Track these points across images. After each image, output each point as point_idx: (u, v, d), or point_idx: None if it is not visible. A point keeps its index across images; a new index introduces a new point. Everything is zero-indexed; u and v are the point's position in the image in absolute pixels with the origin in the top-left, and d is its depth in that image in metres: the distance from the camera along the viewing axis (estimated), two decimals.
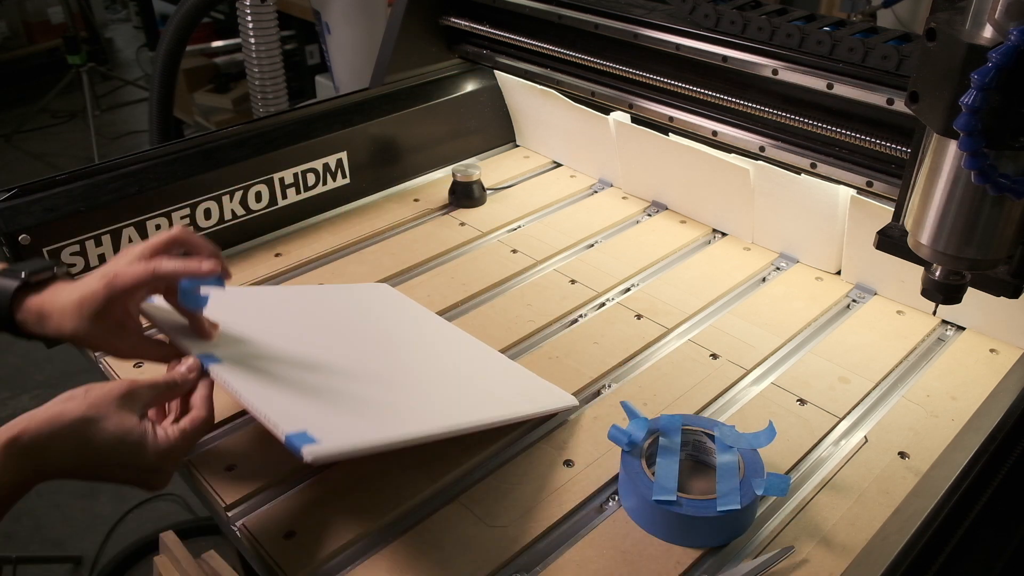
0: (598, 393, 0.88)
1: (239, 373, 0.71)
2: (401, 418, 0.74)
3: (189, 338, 0.75)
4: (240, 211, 1.12)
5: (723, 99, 1.04)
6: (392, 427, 0.70)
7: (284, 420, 0.63)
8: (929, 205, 0.61)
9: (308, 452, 0.60)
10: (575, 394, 0.87)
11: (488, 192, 1.26)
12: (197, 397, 0.70)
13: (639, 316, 0.99)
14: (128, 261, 0.71)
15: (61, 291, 0.72)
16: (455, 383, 0.85)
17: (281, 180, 1.15)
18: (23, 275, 0.72)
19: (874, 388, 0.88)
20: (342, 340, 0.87)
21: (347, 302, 0.98)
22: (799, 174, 1.01)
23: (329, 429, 0.64)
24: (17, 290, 0.72)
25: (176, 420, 0.68)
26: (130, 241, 1.02)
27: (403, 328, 0.94)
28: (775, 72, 0.96)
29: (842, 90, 0.90)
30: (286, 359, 0.77)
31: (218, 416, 0.83)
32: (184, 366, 0.70)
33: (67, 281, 0.73)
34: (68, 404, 0.63)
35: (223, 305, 0.81)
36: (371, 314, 0.96)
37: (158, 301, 0.76)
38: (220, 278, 0.74)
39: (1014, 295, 0.66)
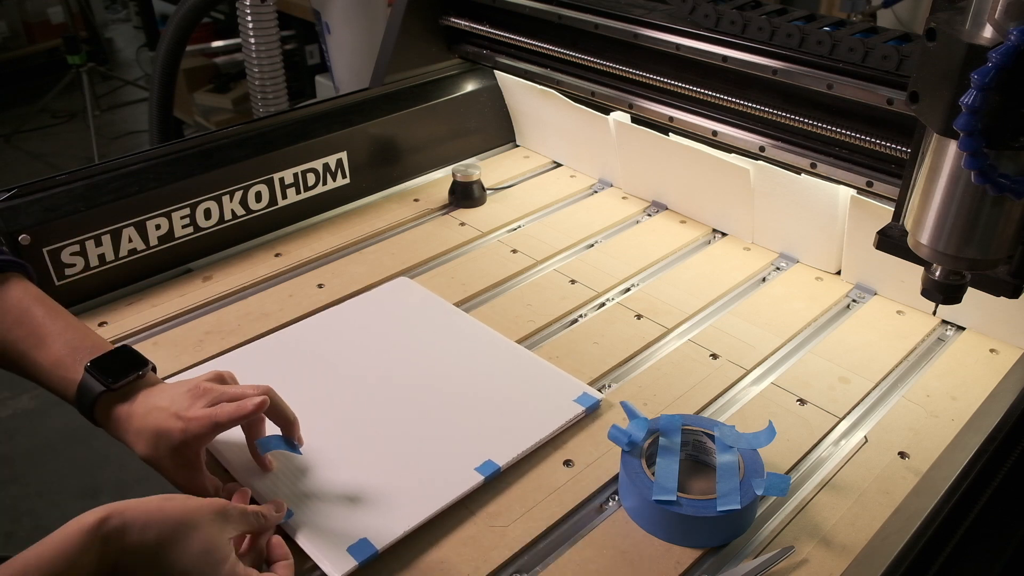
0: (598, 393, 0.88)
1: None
2: (436, 490, 0.75)
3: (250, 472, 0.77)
4: (240, 211, 1.12)
5: (723, 99, 1.04)
6: (429, 504, 0.73)
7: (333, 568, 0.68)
8: (929, 205, 0.61)
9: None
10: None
11: (488, 192, 1.26)
12: (280, 551, 0.68)
13: (639, 316, 0.99)
14: (202, 403, 0.72)
15: (140, 408, 0.73)
16: (487, 416, 0.84)
17: (281, 180, 1.15)
18: (109, 382, 0.73)
19: (874, 388, 0.88)
20: (371, 385, 0.88)
21: (370, 320, 0.98)
22: (799, 174, 1.01)
23: (375, 523, 0.71)
24: (100, 394, 0.73)
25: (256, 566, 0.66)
26: (130, 241, 1.02)
27: (429, 343, 0.94)
28: (775, 72, 0.96)
29: (842, 90, 0.90)
30: (323, 465, 0.78)
31: None
32: (274, 505, 0.70)
33: (149, 390, 0.74)
34: (168, 503, 0.61)
35: (252, 363, 0.89)
36: (395, 333, 0.96)
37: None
38: (295, 445, 0.77)
39: (1014, 295, 0.66)
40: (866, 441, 0.80)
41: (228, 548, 0.62)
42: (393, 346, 0.94)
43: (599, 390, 0.88)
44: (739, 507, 0.69)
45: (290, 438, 0.77)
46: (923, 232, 0.62)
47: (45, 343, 0.75)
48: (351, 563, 0.67)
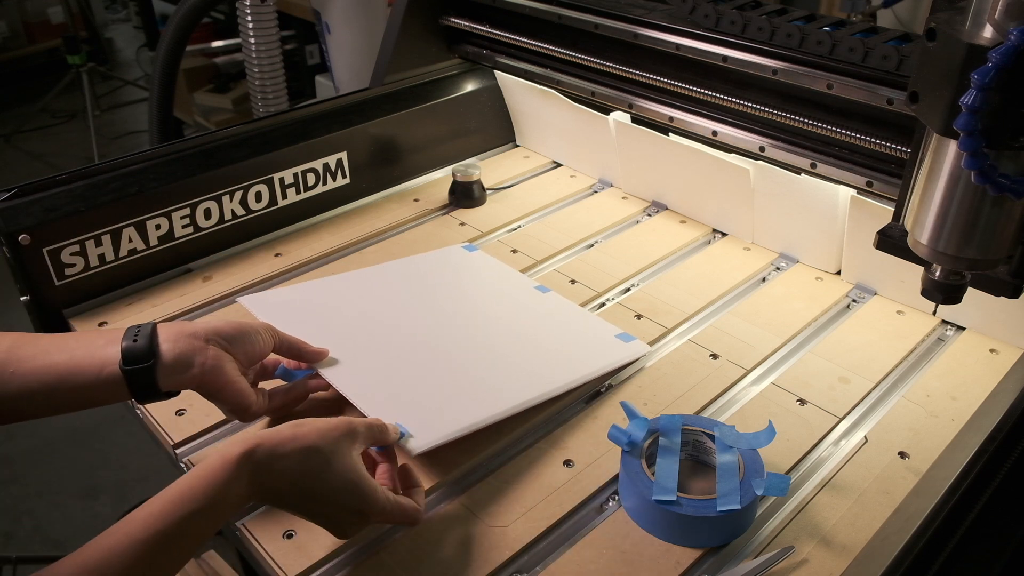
0: (598, 393, 0.88)
1: (343, 371, 0.82)
2: (483, 399, 0.82)
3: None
4: (240, 211, 1.12)
5: (723, 99, 1.04)
6: (476, 411, 0.79)
7: (386, 416, 0.74)
8: (929, 205, 0.61)
9: (410, 447, 0.73)
10: (574, 395, 0.87)
11: (488, 192, 1.26)
12: (412, 478, 0.73)
13: (639, 316, 0.99)
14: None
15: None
16: (534, 349, 0.91)
17: (281, 180, 1.15)
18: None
19: (874, 388, 0.88)
20: (423, 317, 0.96)
21: (422, 272, 1.05)
22: (799, 174, 1.01)
23: (421, 423, 0.76)
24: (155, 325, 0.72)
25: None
26: (130, 241, 1.02)
27: (481, 290, 1.02)
28: (775, 72, 0.96)
29: (842, 90, 0.90)
30: (377, 348, 0.86)
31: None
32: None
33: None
34: (300, 429, 0.64)
35: (304, 305, 0.93)
36: (446, 283, 1.04)
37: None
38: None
39: (1014, 295, 0.66)
40: (866, 441, 0.80)
41: (360, 464, 0.66)
42: (443, 297, 1.00)
43: (599, 391, 0.88)
44: (739, 507, 0.69)
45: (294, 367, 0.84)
46: (923, 232, 0.62)
47: (61, 348, 0.71)
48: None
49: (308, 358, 0.83)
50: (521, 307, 0.99)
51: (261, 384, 0.82)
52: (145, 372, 0.69)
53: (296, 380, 0.84)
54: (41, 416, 0.69)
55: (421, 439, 0.74)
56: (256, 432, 0.65)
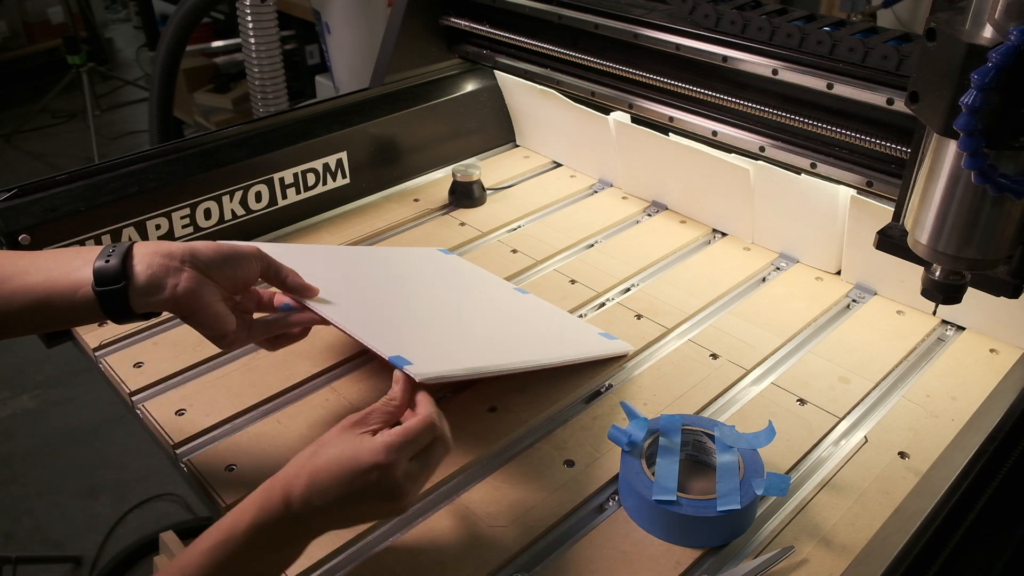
0: (598, 393, 0.88)
1: (340, 311, 0.79)
2: (481, 350, 0.83)
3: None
4: (240, 211, 1.12)
5: (723, 99, 1.04)
6: (473, 358, 0.80)
7: (385, 346, 0.73)
8: (929, 205, 0.61)
9: (411, 372, 0.69)
10: (574, 395, 0.87)
11: (488, 192, 1.26)
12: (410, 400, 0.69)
13: (639, 316, 0.99)
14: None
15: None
16: (522, 327, 0.94)
17: (281, 180, 1.15)
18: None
19: (874, 388, 0.88)
20: (414, 284, 0.97)
21: (406, 260, 1.05)
22: (799, 174, 1.01)
23: (422, 355, 0.73)
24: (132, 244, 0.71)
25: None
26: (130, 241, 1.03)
27: (465, 282, 1.03)
28: (775, 72, 0.96)
29: (842, 90, 0.90)
30: (373, 300, 0.85)
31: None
32: (397, 385, 0.69)
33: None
34: (321, 461, 0.61)
35: (301, 260, 0.88)
36: (432, 270, 1.04)
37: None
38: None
39: (1014, 295, 0.66)
40: (866, 441, 0.80)
41: (359, 438, 0.62)
42: (441, 276, 1.02)
43: (599, 391, 0.88)
44: (739, 507, 0.69)
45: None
46: (923, 232, 0.62)
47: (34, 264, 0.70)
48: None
49: (298, 290, 0.79)
50: (504, 302, 1.00)
51: (258, 315, 0.80)
52: (117, 294, 0.67)
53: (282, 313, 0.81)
54: (26, 334, 0.70)
55: (422, 368, 0.70)
56: (283, 479, 0.61)
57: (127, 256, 0.69)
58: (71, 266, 0.68)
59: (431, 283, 1.00)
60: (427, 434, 0.64)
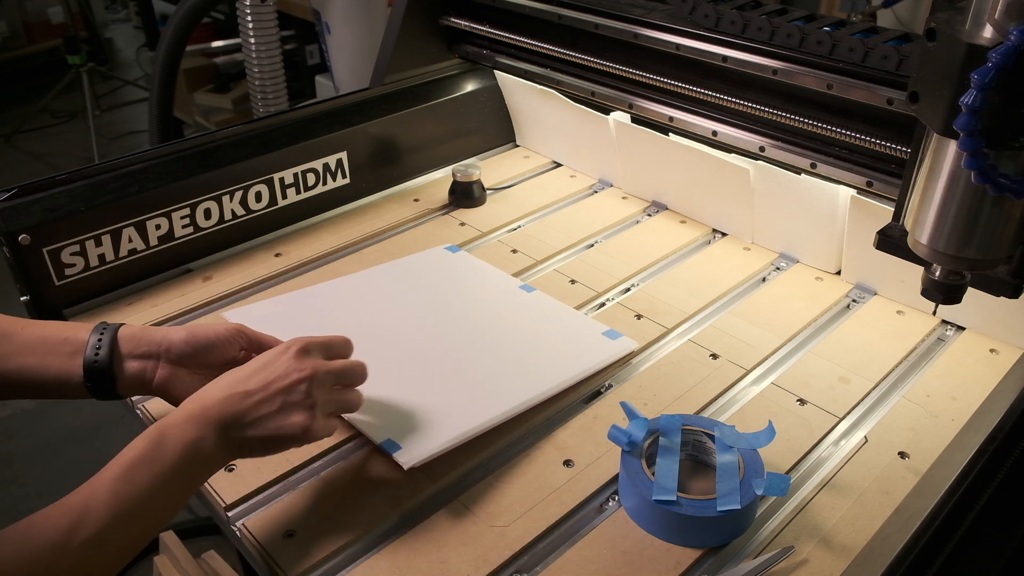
0: (598, 393, 0.88)
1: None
2: (473, 408, 0.82)
3: None
4: (240, 211, 1.12)
5: (723, 99, 1.04)
6: (467, 421, 0.80)
7: (374, 430, 0.78)
8: (929, 205, 0.61)
9: (400, 460, 0.75)
10: (575, 395, 0.87)
11: (488, 192, 1.26)
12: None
13: (639, 316, 0.99)
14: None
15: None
16: (523, 351, 0.92)
17: (281, 180, 1.15)
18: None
19: (874, 388, 0.88)
20: (408, 322, 0.96)
21: (405, 279, 1.05)
22: (799, 174, 1.01)
23: (414, 433, 0.78)
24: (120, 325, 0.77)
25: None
26: (130, 241, 1.02)
27: (467, 293, 1.02)
28: (775, 72, 0.96)
29: (842, 90, 0.90)
30: (363, 358, 0.83)
31: None
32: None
33: None
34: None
35: (287, 317, 0.94)
36: (432, 286, 1.03)
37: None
38: None
39: (1014, 295, 0.66)
40: (866, 441, 0.80)
41: (295, 356, 0.71)
42: (429, 300, 1.00)
43: (599, 391, 0.88)
44: (739, 507, 0.69)
45: None
46: (923, 232, 0.62)
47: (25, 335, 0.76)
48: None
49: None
50: (507, 308, 0.99)
51: None
52: (107, 388, 0.75)
53: None
54: (16, 399, 0.77)
55: (412, 453, 0.75)
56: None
57: (113, 350, 0.75)
58: (62, 353, 0.75)
59: (427, 309, 0.98)
60: (346, 348, 0.76)
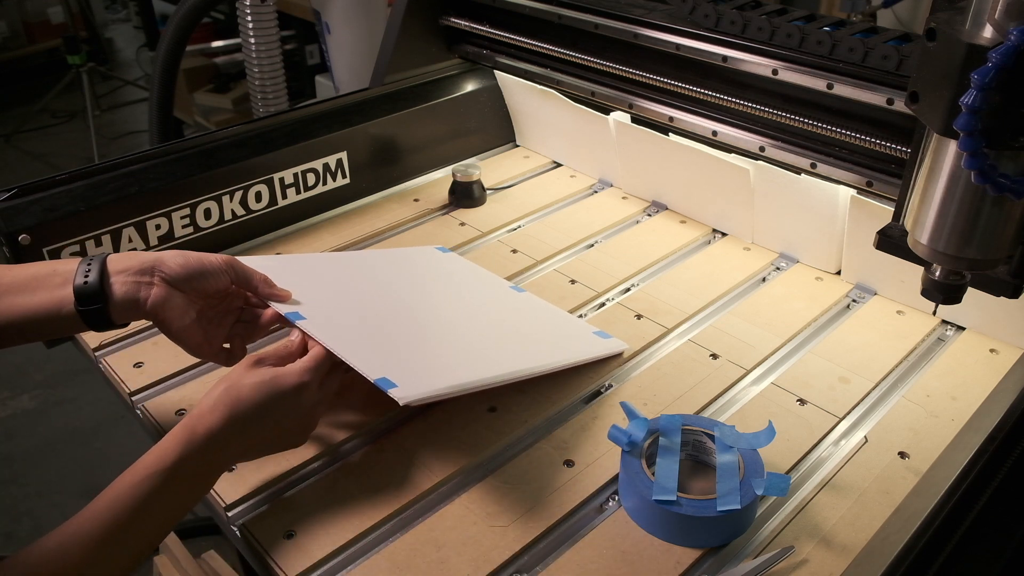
0: (598, 393, 0.88)
1: (323, 327, 0.78)
2: (470, 363, 0.82)
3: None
4: (240, 211, 1.12)
5: (723, 99, 1.04)
6: (461, 373, 0.79)
7: (369, 367, 0.73)
8: (929, 205, 0.61)
9: (396, 396, 0.71)
10: (574, 395, 0.87)
11: (488, 192, 1.26)
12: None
13: (639, 316, 0.99)
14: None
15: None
16: (514, 332, 0.92)
17: (281, 180, 1.15)
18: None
19: (874, 388, 0.88)
20: (403, 294, 0.95)
21: (400, 264, 1.04)
22: (799, 174, 1.01)
23: (408, 375, 0.75)
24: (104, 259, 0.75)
25: None
26: (130, 241, 1.02)
27: (459, 283, 1.02)
28: (775, 72, 0.96)
29: (842, 90, 0.90)
30: (358, 314, 0.84)
31: None
32: (295, 332, 0.78)
33: None
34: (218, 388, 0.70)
35: (285, 272, 0.89)
36: (426, 273, 1.03)
37: None
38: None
39: (1014, 295, 0.66)
40: (866, 441, 0.80)
41: (271, 370, 0.71)
42: (421, 285, 0.99)
43: (599, 391, 0.88)
44: (739, 507, 0.69)
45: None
46: (923, 232, 0.62)
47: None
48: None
49: (269, 298, 0.81)
50: (497, 305, 0.99)
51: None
52: (98, 311, 0.73)
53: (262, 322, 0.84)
54: (10, 346, 0.74)
55: (408, 391, 0.72)
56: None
57: (103, 273, 0.73)
58: (52, 283, 0.73)
59: (422, 289, 0.99)
60: (326, 362, 0.74)
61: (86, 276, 0.73)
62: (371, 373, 0.73)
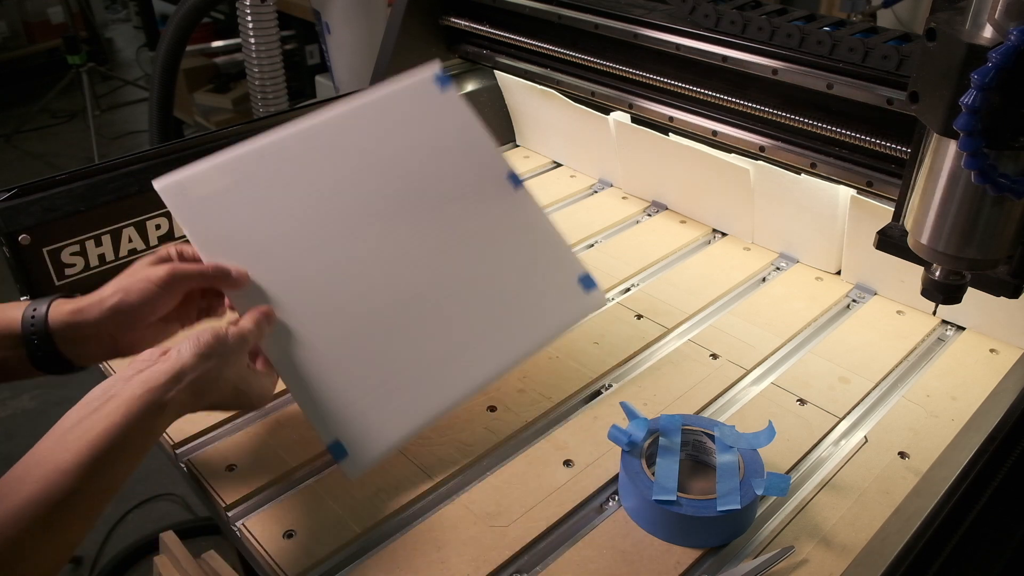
0: (598, 393, 0.88)
1: (283, 360, 0.74)
2: (433, 384, 0.78)
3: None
4: None
5: (723, 99, 1.04)
6: (422, 406, 0.76)
7: (323, 422, 0.72)
8: (929, 205, 0.61)
9: (347, 471, 0.71)
10: (575, 395, 0.87)
11: None
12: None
13: (639, 316, 0.99)
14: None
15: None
16: (486, 306, 0.83)
17: None
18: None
19: (874, 388, 0.88)
20: (364, 230, 0.82)
21: (375, 133, 0.89)
22: (799, 174, 1.01)
23: (360, 437, 0.73)
24: (52, 300, 0.74)
25: None
26: (130, 241, 1.02)
27: (438, 185, 0.88)
28: (775, 72, 0.96)
29: (842, 90, 0.90)
30: (318, 291, 0.77)
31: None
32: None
33: None
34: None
35: (240, 191, 0.83)
36: (402, 161, 0.88)
37: None
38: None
39: (1014, 295, 0.66)
40: (866, 441, 0.80)
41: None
42: (395, 190, 0.85)
43: (599, 391, 0.88)
44: (739, 507, 0.69)
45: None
46: (923, 232, 0.62)
47: None
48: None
49: (218, 284, 0.77)
50: (484, 218, 0.87)
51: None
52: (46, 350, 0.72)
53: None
54: None
55: (360, 461, 0.72)
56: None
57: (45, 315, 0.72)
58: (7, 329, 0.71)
59: (392, 207, 0.84)
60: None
61: (32, 319, 0.71)
62: (324, 435, 0.72)
